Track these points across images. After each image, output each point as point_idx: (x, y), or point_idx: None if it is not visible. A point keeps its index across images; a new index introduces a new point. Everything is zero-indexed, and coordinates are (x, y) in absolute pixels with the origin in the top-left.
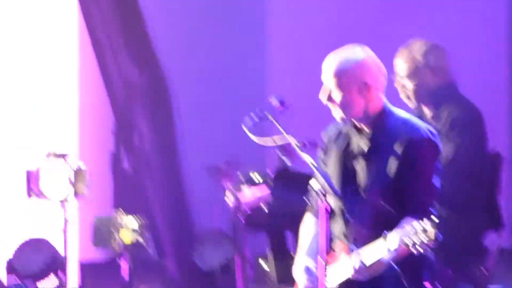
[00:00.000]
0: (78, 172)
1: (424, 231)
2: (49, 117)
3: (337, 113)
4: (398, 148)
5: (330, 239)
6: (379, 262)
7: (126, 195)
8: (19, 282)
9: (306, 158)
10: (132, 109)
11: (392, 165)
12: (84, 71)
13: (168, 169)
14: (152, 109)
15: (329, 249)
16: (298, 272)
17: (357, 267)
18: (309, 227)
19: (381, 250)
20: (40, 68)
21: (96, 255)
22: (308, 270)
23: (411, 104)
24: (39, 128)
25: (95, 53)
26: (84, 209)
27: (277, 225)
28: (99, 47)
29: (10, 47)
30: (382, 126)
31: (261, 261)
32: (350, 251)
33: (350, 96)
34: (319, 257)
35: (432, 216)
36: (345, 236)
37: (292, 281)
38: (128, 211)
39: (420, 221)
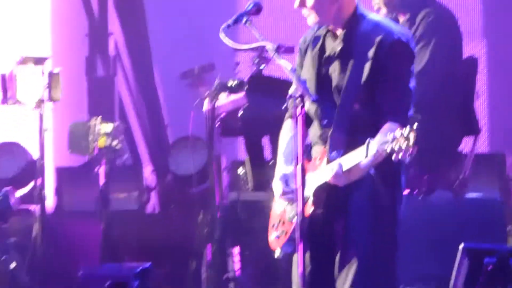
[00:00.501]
0: (53, 77)
1: (405, 138)
2: (22, 20)
3: (310, 18)
4: (370, 51)
5: (308, 145)
6: (357, 167)
7: (100, 101)
8: None
9: (282, 62)
10: (106, 13)
11: (365, 67)
12: None
13: (142, 74)
14: (125, 13)
15: (308, 155)
16: (276, 180)
17: (335, 172)
18: (287, 133)
19: (360, 155)
20: None
21: (71, 160)
22: (285, 177)
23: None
24: (12, 32)
25: None
26: (59, 114)
27: (253, 131)
28: None
29: None
30: (354, 29)
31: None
32: (328, 156)
33: None
34: (294, 162)
35: (414, 124)
36: (322, 140)
37: (267, 187)
38: (103, 117)
39: (401, 128)
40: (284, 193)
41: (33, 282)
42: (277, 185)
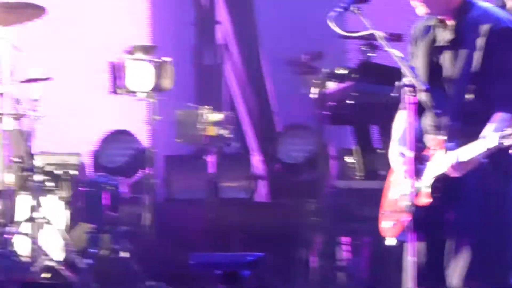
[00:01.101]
0: (162, 66)
1: None
2: (126, 9)
3: (420, 9)
4: (479, 39)
5: (421, 133)
6: (473, 158)
7: (208, 90)
8: (102, 174)
9: (392, 50)
10: (213, 1)
11: (475, 56)
12: None
13: (250, 62)
14: (232, 1)
15: (423, 144)
16: (393, 155)
17: (454, 163)
18: (400, 123)
19: (479, 147)
20: None
21: (180, 149)
22: (403, 155)
23: None
24: (121, 21)
25: None
26: (167, 103)
27: (362, 119)
28: None
29: None
30: (464, 17)
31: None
32: (445, 146)
33: None
34: (406, 149)
35: None
36: (435, 130)
37: (376, 176)
38: (211, 105)
39: None
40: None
41: (144, 271)
42: (396, 160)
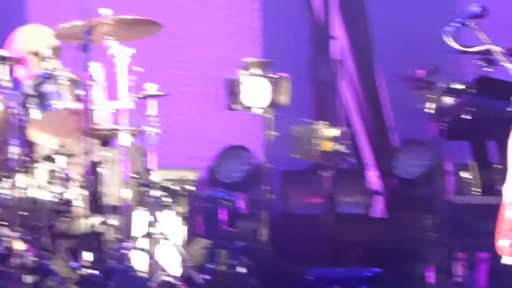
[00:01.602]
0: (279, 81)
1: None
2: (243, 24)
3: None
4: None
5: None
6: None
7: (324, 105)
8: (219, 189)
9: (509, 66)
10: (328, 16)
11: None
12: None
13: (365, 77)
14: (348, 17)
15: None
16: (507, 185)
17: None
18: None
19: None
20: None
21: (296, 164)
22: None
23: None
24: (236, 37)
25: None
26: (283, 118)
27: (479, 134)
28: None
29: None
30: None
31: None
32: None
33: None
34: None
35: None
36: None
37: (493, 191)
38: (327, 121)
39: None
40: None
41: (261, 286)
42: (508, 191)
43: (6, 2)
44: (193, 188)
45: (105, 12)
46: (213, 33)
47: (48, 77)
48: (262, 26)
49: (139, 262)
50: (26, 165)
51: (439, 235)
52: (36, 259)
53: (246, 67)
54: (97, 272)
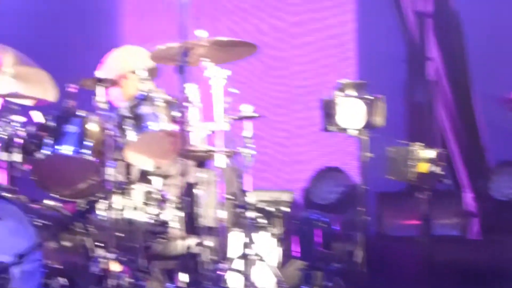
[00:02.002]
0: (374, 102)
1: None
2: (337, 46)
3: None
4: None
5: None
6: None
7: (419, 126)
8: (314, 211)
9: None
10: (423, 37)
11: None
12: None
13: (461, 99)
14: (443, 38)
15: None
16: None
17: None
18: None
19: None
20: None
21: (391, 185)
22: None
23: None
24: (330, 57)
25: None
26: (378, 139)
27: None
28: None
29: None
30: None
31: None
32: None
33: None
34: None
35: None
36: None
37: None
38: (422, 141)
39: None
40: None
41: None
42: None
43: (101, 23)
44: (288, 210)
45: (201, 34)
46: (309, 54)
47: (144, 98)
48: (358, 48)
49: (234, 283)
50: (123, 187)
51: None
52: (132, 280)
53: (341, 89)
54: None
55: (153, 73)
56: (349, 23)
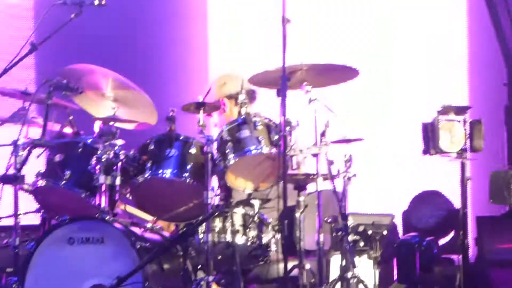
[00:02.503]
0: (475, 126)
1: None
2: (440, 69)
3: None
4: None
5: None
6: None
7: None
8: (414, 234)
9: None
10: None
11: None
12: (473, 23)
13: None
14: None
15: None
16: None
17: None
18: None
19: None
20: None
21: (492, 209)
22: None
23: None
24: (432, 81)
25: (486, 5)
26: (479, 163)
27: None
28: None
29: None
30: None
31: None
32: None
33: None
34: None
35: None
36: None
37: None
38: None
39: None
40: None
41: None
42: None
43: (201, 50)
44: (386, 233)
45: (301, 58)
46: (410, 77)
47: (244, 122)
48: (468, 73)
49: None
50: (222, 210)
51: None
52: None
53: (443, 112)
54: None
55: (252, 97)
56: (459, 48)
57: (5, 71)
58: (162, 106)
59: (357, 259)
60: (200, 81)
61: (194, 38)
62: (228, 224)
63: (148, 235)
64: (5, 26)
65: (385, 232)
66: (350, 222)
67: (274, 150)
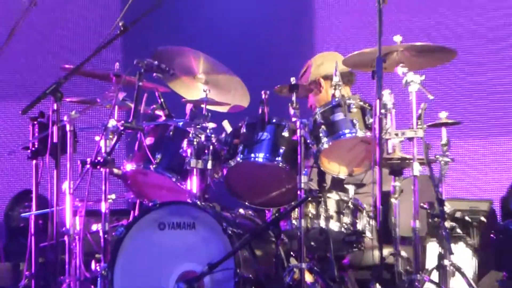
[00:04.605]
0: None
1: None
2: None
3: None
4: None
5: None
6: None
7: None
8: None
9: None
10: None
11: None
12: None
13: None
14: None
15: None
16: None
17: None
18: None
19: None
20: None
21: None
22: None
23: None
24: None
25: None
26: None
27: None
28: None
29: None
30: None
31: None
32: None
33: None
34: None
35: None
36: None
37: None
38: None
39: None
40: None
41: None
42: None
43: (296, 31)
44: (485, 220)
45: (397, 39)
46: (507, 60)
47: (338, 104)
48: None
49: None
50: (316, 195)
51: None
52: None
53: None
54: None
55: (349, 79)
56: None
57: (95, 52)
58: (255, 89)
59: (454, 246)
60: (295, 64)
61: (297, 17)
62: (321, 210)
63: (239, 220)
64: (94, 5)
65: (483, 218)
66: (447, 208)
67: (369, 134)
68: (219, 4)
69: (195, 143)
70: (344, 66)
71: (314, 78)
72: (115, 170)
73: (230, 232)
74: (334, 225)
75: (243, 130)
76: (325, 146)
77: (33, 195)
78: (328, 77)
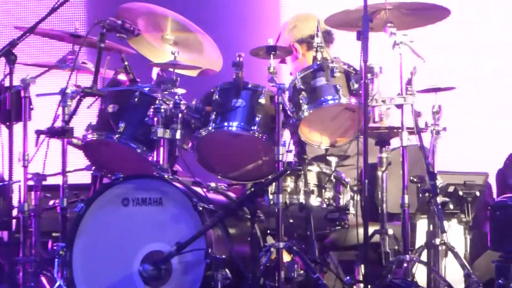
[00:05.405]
0: None
1: None
2: None
3: None
4: None
5: None
6: None
7: None
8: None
9: None
10: None
11: None
12: None
13: None
14: None
15: None
16: None
17: None
18: None
19: None
20: None
21: None
22: None
23: None
24: None
25: None
26: None
27: None
28: None
29: None
30: None
31: None
32: None
33: None
34: None
35: None
36: None
37: None
38: None
39: None
40: None
41: None
42: None
43: None
44: (479, 194)
45: None
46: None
47: (320, 69)
48: None
49: (420, 275)
50: (295, 168)
51: None
52: (305, 272)
53: None
54: None
55: (329, 41)
56: None
57: (53, 9)
58: (228, 51)
59: (446, 224)
60: (271, 22)
61: None
62: (301, 184)
63: (211, 195)
64: None
65: (478, 193)
66: (439, 181)
67: (353, 101)
68: None
69: (162, 110)
70: (325, 26)
71: (288, 43)
72: (74, 140)
73: (201, 208)
74: (315, 201)
75: (216, 96)
76: (306, 114)
77: None
78: (304, 41)
